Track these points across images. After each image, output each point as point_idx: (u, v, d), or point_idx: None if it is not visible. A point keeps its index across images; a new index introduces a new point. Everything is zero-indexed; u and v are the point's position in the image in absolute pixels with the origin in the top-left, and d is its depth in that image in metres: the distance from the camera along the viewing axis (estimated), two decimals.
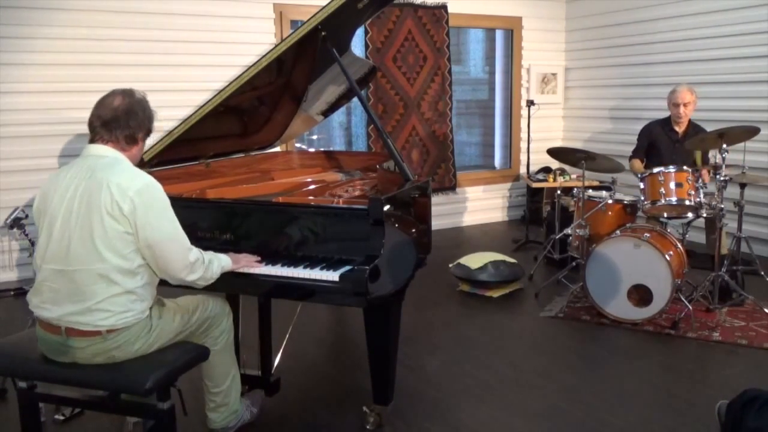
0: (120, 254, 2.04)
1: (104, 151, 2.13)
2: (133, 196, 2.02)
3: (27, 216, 4.15)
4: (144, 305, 2.13)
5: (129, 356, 2.11)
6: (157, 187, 2.11)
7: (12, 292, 4.53)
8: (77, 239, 2.02)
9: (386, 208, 2.36)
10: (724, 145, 3.74)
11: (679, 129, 4.58)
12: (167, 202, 2.13)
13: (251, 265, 2.39)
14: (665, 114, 4.71)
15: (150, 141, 2.39)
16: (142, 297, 2.12)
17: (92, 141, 2.16)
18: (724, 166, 3.72)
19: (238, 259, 2.38)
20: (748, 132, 3.84)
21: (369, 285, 2.23)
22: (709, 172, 4.27)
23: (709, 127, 4.35)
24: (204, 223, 2.58)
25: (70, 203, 2.05)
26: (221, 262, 2.28)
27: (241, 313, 2.95)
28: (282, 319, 3.30)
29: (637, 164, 4.71)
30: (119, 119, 2.12)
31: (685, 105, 4.47)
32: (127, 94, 2.18)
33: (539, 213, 6.28)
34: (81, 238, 2.02)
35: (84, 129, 2.21)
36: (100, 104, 2.16)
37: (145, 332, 2.13)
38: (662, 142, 4.63)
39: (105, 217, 2.00)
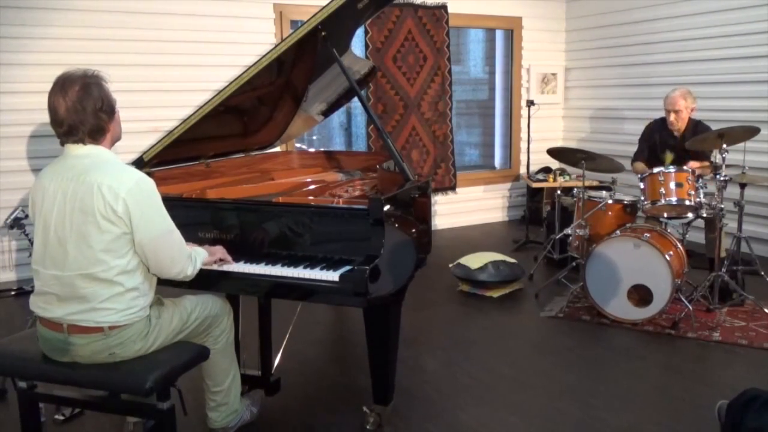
0: (118, 255, 2.03)
1: (85, 151, 2.07)
2: (125, 197, 1.99)
3: (27, 216, 4.14)
4: (146, 300, 2.13)
5: (129, 355, 2.11)
6: (147, 182, 2.07)
7: (12, 292, 4.53)
8: (74, 246, 2.01)
9: (386, 208, 2.36)
10: (724, 145, 3.74)
11: (678, 129, 4.55)
12: (158, 196, 2.11)
13: (226, 259, 2.40)
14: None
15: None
16: (143, 292, 2.12)
17: (63, 143, 2.09)
18: (724, 166, 3.73)
19: (214, 252, 2.37)
20: (748, 132, 3.84)
21: (369, 285, 2.23)
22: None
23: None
24: (204, 223, 2.58)
25: (61, 208, 2.02)
26: (200, 255, 2.27)
27: (241, 313, 2.94)
28: (282, 319, 3.30)
29: (641, 166, 4.57)
30: (73, 125, 2.02)
31: (675, 112, 4.38)
32: (62, 92, 2.01)
33: (539, 213, 6.28)
34: (77, 245, 2.01)
35: None
36: (50, 111, 2.04)
37: (145, 333, 2.13)
38: (662, 142, 4.61)
39: (101, 222, 1.99)
